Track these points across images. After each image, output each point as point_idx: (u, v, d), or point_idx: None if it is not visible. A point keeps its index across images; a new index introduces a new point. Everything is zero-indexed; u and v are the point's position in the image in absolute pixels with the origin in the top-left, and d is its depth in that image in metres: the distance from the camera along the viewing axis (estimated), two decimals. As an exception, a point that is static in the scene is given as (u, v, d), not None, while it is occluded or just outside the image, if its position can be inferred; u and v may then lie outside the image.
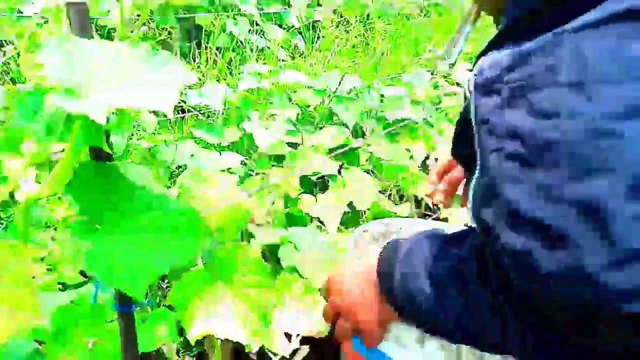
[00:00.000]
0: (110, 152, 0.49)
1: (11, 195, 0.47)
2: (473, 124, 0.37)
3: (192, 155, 1.28)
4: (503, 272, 0.36)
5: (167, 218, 0.51)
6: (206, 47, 2.49)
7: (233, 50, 2.56)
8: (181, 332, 0.82)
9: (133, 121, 1.28)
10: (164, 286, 1.12)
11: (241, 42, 2.68)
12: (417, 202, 1.73)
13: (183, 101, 1.58)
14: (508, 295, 0.38)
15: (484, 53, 0.38)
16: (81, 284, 0.83)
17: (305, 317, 0.83)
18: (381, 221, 0.89)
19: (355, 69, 2.81)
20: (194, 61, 2.46)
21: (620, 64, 0.27)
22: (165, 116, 1.73)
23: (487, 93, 0.34)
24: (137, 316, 0.80)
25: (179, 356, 1.01)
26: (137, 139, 1.34)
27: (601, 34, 0.28)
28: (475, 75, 0.37)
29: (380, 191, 1.63)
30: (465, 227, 0.55)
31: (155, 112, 1.68)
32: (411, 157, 1.82)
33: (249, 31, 2.78)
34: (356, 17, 3.87)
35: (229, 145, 1.57)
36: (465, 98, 0.41)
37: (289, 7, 3.27)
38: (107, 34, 2.17)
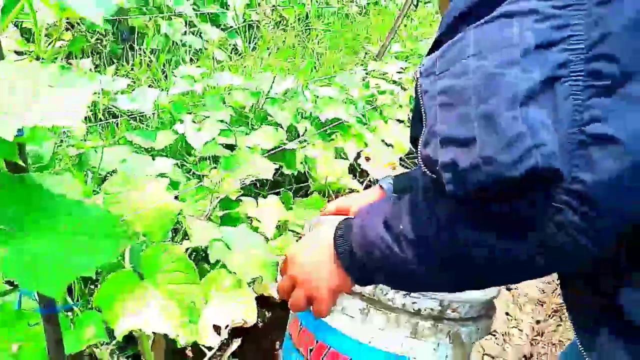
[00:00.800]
0: (23, 164, 0.52)
1: None
2: (419, 96, 0.56)
3: (124, 160, 1.30)
4: (442, 185, 0.52)
5: (85, 223, 0.54)
6: (140, 49, 2.46)
7: (168, 52, 2.54)
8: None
9: (58, 131, 1.28)
10: (95, 289, 1.13)
11: (176, 44, 2.66)
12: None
13: (114, 106, 1.58)
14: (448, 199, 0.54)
15: (427, 54, 0.59)
16: (6, 293, 0.84)
17: (233, 309, 0.88)
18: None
19: (293, 69, 2.86)
20: (128, 64, 2.43)
21: (499, 39, 0.48)
22: (91, 121, 1.72)
23: (427, 76, 0.55)
24: (66, 320, 0.83)
25: (112, 358, 1.03)
26: (67, 146, 1.33)
27: (490, 25, 0.49)
28: (419, 67, 0.57)
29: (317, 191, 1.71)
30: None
31: (86, 118, 1.67)
32: (343, 156, 1.90)
33: (184, 32, 2.77)
34: (295, 16, 3.93)
35: (164, 148, 1.58)
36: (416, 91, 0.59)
37: (226, 8, 3.27)
38: (33, 37, 2.10)
